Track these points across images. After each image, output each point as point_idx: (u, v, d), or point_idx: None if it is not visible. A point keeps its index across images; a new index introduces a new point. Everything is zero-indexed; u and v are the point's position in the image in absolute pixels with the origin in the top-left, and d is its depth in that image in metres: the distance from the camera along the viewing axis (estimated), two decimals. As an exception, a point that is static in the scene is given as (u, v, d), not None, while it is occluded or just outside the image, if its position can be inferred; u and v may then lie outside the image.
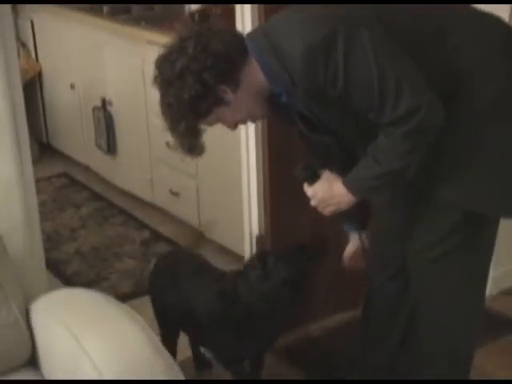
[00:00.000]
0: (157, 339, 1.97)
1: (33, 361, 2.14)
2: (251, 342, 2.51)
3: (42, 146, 5.09)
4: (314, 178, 2.18)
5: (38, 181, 2.88)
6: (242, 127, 3.01)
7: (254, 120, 2.27)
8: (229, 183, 3.51)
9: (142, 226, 4.18)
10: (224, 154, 3.53)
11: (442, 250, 2.19)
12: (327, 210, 2.19)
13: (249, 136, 3.00)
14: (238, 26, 2.93)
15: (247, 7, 2.85)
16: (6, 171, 2.34)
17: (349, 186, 2.09)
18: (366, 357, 2.62)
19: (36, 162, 3.16)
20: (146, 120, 4.10)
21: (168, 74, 2.05)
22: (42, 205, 4.02)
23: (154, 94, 4.13)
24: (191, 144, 2.13)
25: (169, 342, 2.60)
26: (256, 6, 2.82)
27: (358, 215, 2.37)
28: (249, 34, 2.10)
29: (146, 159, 4.20)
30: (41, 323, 2.12)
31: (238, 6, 2.94)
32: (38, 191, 2.67)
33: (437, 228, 2.18)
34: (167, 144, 3.94)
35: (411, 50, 1.97)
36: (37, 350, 2.13)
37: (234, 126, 2.21)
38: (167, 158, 4.01)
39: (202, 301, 2.50)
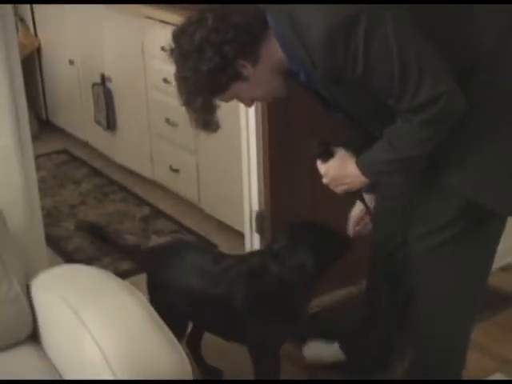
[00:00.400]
0: (156, 314, 1.98)
1: (34, 336, 2.16)
2: (290, 320, 2.43)
3: (42, 123, 5.08)
4: (327, 156, 2.16)
5: (37, 157, 2.89)
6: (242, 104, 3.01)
7: (271, 97, 2.20)
8: (229, 160, 3.51)
9: (142, 202, 4.18)
10: (224, 130, 3.52)
11: (441, 238, 2.17)
12: (339, 189, 2.18)
13: (249, 112, 2.99)
14: None
15: None
16: (6, 148, 2.34)
17: (362, 167, 2.08)
18: (366, 331, 2.63)
19: (35, 138, 3.17)
20: (145, 96, 4.09)
21: (186, 46, 1.97)
22: (41, 181, 4.01)
23: (154, 70, 4.14)
24: (206, 120, 2.10)
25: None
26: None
27: None
28: (269, 9, 2.03)
29: (145, 135, 4.19)
30: (41, 299, 2.13)
31: None
32: (38, 168, 2.67)
33: (439, 215, 2.16)
34: (167, 120, 3.94)
35: (432, 31, 1.93)
36: (37, 326, 2.15)
37: (250, 102, 2.17)
38: (167, 134, 4.00)
39: (234, 288, 2.39)
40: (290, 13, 1.93)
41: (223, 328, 2.51)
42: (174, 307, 2.45)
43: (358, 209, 2.47)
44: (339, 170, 2.14)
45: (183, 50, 1.98)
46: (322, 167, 2.18)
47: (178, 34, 2.01)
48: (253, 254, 2.54)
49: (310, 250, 2.33)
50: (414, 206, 2.23)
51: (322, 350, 2.83)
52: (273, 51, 2.00)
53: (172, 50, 2.03)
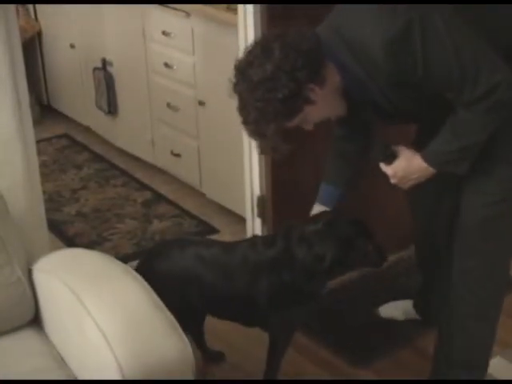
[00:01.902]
0: (158, 298, 1.98)
1: (35, 320, 2.16)
2: (309, 303, 2.47)
3: (43, 107, 5.07)
4: (390, 158, 2.24)
5: (38, 142, 2.88)
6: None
7: (334, 117, 2.29)
8: (230, 144, 3.50)
9: (143, 187, 4.18)
10: (225, 114, 3.52)
11: (496, 210, 2.26)
12: (407, 185, 2.28)
13: (250, 96, 2.98)
14: (240, 27, 2.91)
15: (249, 7, 2.83)
16: (7, 132, 2.33)
17: (429, 160, 2.17)
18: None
19: (37, 123, 3.16)
20: (146, 80, 4.08)
21: (257, 76, 2.02)
22: (42, 166, 4.02)
23: (155, 54, 4.13)
24: (277, 145, 2.13)
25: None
26: (258, 6, 2.80)
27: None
28: (318, 32, 2.12)
29: (146, 120, 4.19)
30: (43, 283, 2.14)
31: (239, 6, 2.91)
32: (39, 152, 2.67)
33: (496, 186, 2.24)
34: (168, 105, 3.93)
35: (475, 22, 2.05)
36: (39, 310, 2.15)
37: (312, 125, 2.23)
38: (168, 119, 4.00)
39: (256, 279, 2.39)
40: (339, 33, 2.04)
41: (243, 317, 2.51)
42: (184, 303, 2.44)
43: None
44: (406, 168, 2.23)
45: (253, 80, 2.03)
46: (388, 169, 2.27)
47: (245, 67, 2.05)
48: (269, 238, 2.53)
49: (337, 244, 2.32)
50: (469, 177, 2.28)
51: (395, 309, 2.99)
52: (332, 72, 2.09)
53: (236, 84, 2.08)
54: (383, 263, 2.46)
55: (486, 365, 2.52)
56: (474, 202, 2.29)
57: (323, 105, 2.11)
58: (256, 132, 2.12)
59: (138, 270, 2.32)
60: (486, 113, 2.04)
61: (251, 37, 2.87)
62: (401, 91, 2.10)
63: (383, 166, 2.27)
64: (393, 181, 2.28)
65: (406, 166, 2.22)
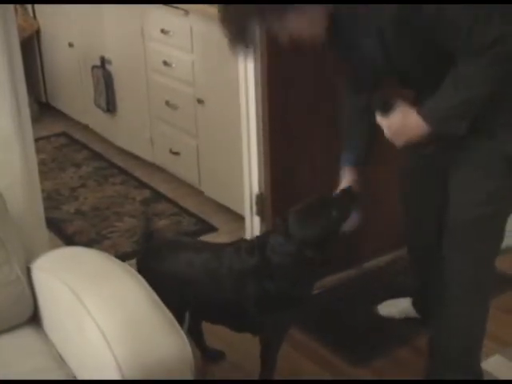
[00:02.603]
0: (157, 297, 1.98)
1: (34, 318, 2.16)
2: (297, 304, 2.43)
3: (42, 106, 5.08)
4: (387, 109, 2.19)
5: (37, 140, 2.88)
6: (242, 85, 3.00)
7: (309, 35, 2.14)
8: (229, 142, 3.50)
9: (142, 185, 4.18)
10: (224, 112, 3.52)
11: (486, 210, 2.24)
12: (400, 141, 2.21)
13: (248, 94, 2.99)
14: None
15: None
16: (6, 130, 2.33)
17: (426, 116, 2.10)
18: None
19: (35, 121, 3.16)
20: (145, 79, 4.08)
21: None
22: (41, 164, 4.02)
23: (154, 52, 4.13)
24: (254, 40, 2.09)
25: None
26: None
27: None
28: None
29: (145, 118, 4.19)
30: (42, 281, 2.14)
31: None
32: (38, 150, 2.67)
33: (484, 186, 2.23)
34: (167, 103, 3.93)
35: None
36: (38, 308, 2.15)
37: (288, 37, 2.12)
38: (167, 117, 4.00)
39: (242, 287, 2.38)
40: None
41: (233, 322, 2.50)
42: (182, 303, 2.45)
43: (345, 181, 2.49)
44: (402, 122, 2.16)
45: None
46: (383, 121, 2.21)
47: None
48: (249, 243, 2.50)
49: (299, 235, 2.31)
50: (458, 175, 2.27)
51: (394, 307, 2.99)
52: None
53: None
54: (355, 202, 2.41)
55: (478, 363, 2.51)
56: (465, 200, 2.28)
57: (307, 10, 2.03)
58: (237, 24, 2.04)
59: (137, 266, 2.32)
60: (490, 65, 1.99)
61: (250, 35, 2.87)
62: (402, 38, 2.04)
63: (379, 118, 2.21)
64: (386, 134, 2.22)
65: (402, 120, 2.16)
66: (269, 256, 2.34)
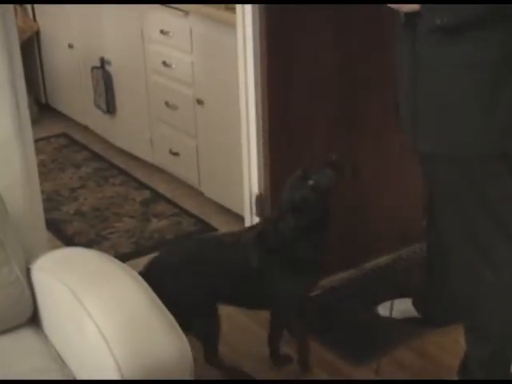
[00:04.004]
0: (157, 298, 1.98)
1: (34, 319, 2.16)
2: (302, 270, 2.56)
3: (41, 107, 5.07)
4: None
5: (37, 141, 2.88)
6: (242, 85, 3.01)
7: None
8: (228, 143, 3.50)
9: (142, 185, 4.18)
10: (223, 113, 3.52)
11: None
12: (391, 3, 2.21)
13: (248, 95, 2.99)
14: (238, 26, 2.91)
15: (247, 7, 2.82)
16: (5, 131, 2.33)
17: None
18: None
19: (35, 122, 3.16)
20: (145, 79, 4.08)
21: None
22: (41, 165, 4.02)
23: (153, 53, 4.13)
24: None
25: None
26: (257, 5, 2.79)
27: None
28: None
29: (145, 119, 4.19)
30: (42, 282, 2.14)
31: (238, 6, 2.90)
32: (38, 151, 2.67)
33: None
34: (166, 103, 3.93)
35: None
36: (38, 309, 2.15)
37: None
38: (167, 118, 4.00)
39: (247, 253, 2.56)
40: None
41: (247, 298, 2.63)
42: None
43: None
44: None
45: None
46: None
47: None
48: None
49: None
50: None
51: (394, 307, 2.98)
52: None
53: None
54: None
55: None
56: None
57: None
58: None
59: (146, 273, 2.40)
60: None
61: (250, 36, 2.87)
62: None
63: None
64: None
65: None
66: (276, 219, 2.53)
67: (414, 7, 2.15)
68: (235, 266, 2.57)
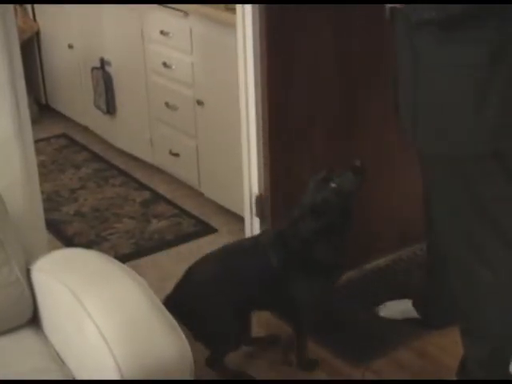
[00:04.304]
0: (157, 299, 1.98)
1: (34, 320, 2.16)
2: (322, 271, 2.61)
3: (41, 107, 5.07)
4: None
5: (37, 141, 2.88)
6: (241, 86, 3.00)
7: None
8: (228, 143, 3.50)
9: (142, 186, 4.18)
10: (223, 114, 3.52)
11: None
12: None
13: (248, 96, 2.99)
14: (238, 26, 2.91)
15: (247, 7, 2.82)
16: (5, 132, 2.33)
17: None
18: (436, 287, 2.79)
19: (35, 122, 3.16)
20: (145, 80, 4.08)
21: None
22: (41, 166, 4.02)
23: (153, 54, 4.13)
24: None
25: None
26: (257, 6, 2.79)
27: None
28: None
29: (145, 119, 4.19)
30: (42, 283, 2.14)
31: (238, 6, 2.90)
32: (38, 152, 2.67)
33: None
34: (166, 104, 3.93)
35: None
36: (38, 310, 2.15)
37: None
38: (167, 119, 4.00)
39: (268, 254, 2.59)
40: None
41: (273, 302, 2.66)
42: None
43: None
44: None
45: None
46: None
47: None
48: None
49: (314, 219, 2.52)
50: None
51: (394, 308, 2.99)
52: None
53: None
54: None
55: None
56: None
57: None
58: None
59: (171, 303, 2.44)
60: None
61: (250, 36, 2.87)
62: None
63: None
64: None
65: None
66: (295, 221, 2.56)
67: None
68: (257, 269, 2.59)
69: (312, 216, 2.50)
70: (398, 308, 2.99)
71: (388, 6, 2.26)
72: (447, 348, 2.79)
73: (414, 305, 2.94)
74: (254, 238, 2.75)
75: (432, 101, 2.22)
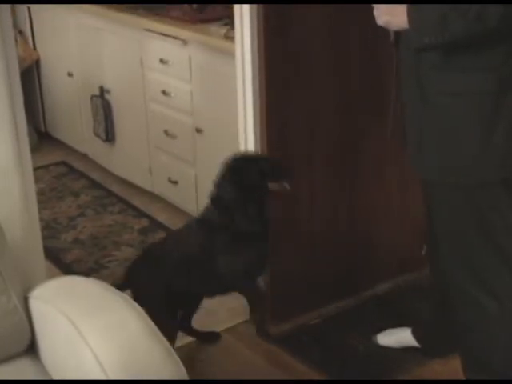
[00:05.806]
0: (155, 327, 1.98)
1: (32, 348, 2.15)
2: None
3: (41, 135, 5.09)
4: None
5: (36, 169, 2.89)
6: (240, 114, 3.01)
7: None
8: (227, 171, 3.50)
9: (141, 214, 4.18)
10: (222, 141, 3.53)
11: None
12: (380, 20, 2.25)
13: (247, 123, 2.99)
14: (237, 26, 2.93)
15: (246, 7, 2.84)
16: (5, 159, 2.34)
17: (410, 17, 2.14)
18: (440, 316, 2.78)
19: (34, 150, 3.16)
20: (144, 108, 4.10)
21: None
22: (40, 193, 4.02)
23: (153, 82, 4.14)
24: None
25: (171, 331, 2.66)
26: (255, 6, 2.81)
27: None
28: None
29: (144, 147, 4.20)
30: (40, 311, 2.13)
31: (237, 6, 2.92)
32: (37, 179, 2.68)
33: None
34: (165, 132, 3.94)
35: None
36: (36, 338, 2.14)
37: None
38: (166, 146, 4.01)
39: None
40: None
41: (213, 285, 2.73)
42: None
43: None
44: (389, 5, 2.22)
45: None
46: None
47: None
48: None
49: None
50: None
51: (393, 337, 2.98)
52: None
53: None
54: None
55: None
56: None
57: None
58: None
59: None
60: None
61: (248, 65, 2.88)
62: None
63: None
64: (374, 9, 2.26)
65: (390, 5, 2.21)
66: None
67: (402, 25, 2.18)
68: (186, 252, 2.70)
69: (230, 181, 2.65)
70: (396, 336, 2.97)
71: (392, 30, 2.28)
72: (447, 377, 2.77)
73: (414, 333, 2.93)
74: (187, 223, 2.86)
75: (438, 127, 2.22)
